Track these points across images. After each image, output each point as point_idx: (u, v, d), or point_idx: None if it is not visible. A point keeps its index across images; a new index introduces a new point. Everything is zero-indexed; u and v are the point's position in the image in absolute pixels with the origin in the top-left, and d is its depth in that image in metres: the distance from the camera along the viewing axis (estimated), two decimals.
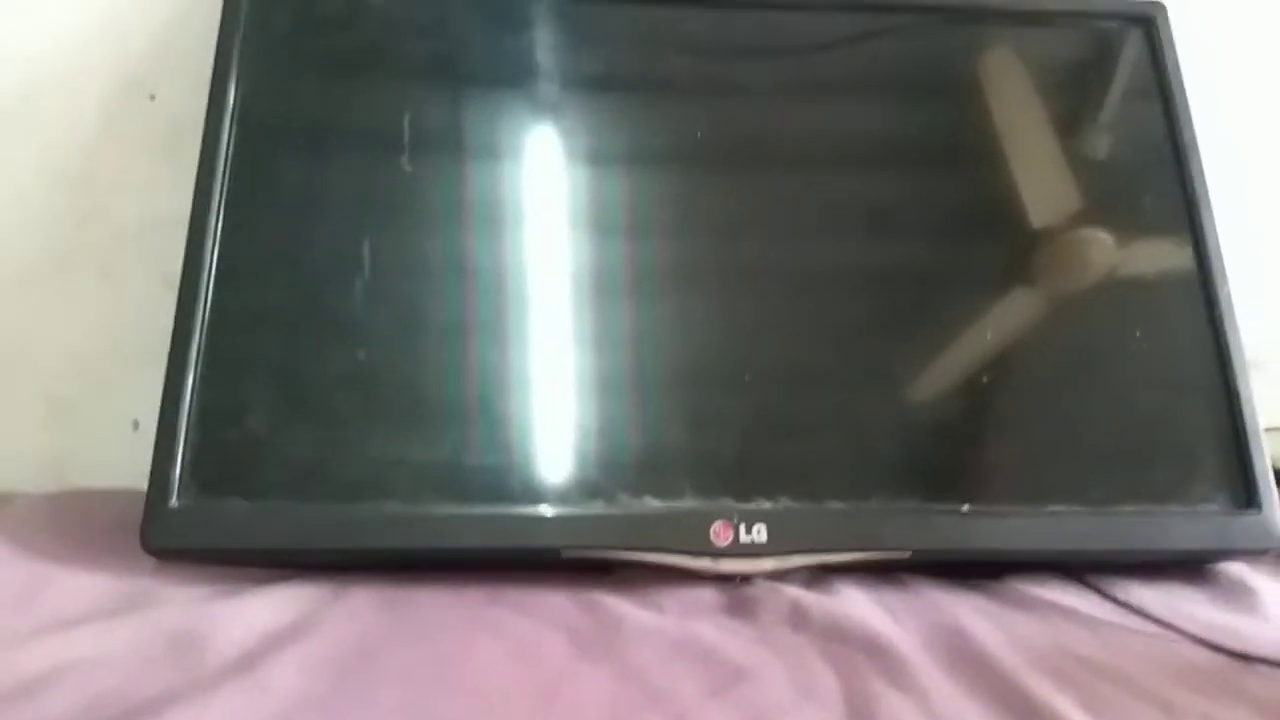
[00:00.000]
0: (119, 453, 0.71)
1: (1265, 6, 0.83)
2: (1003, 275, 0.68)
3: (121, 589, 0.55)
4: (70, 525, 0.62)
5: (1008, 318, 0.67)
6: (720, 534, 0.58)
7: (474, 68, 0.69)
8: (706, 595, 0.57)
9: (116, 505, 0.63)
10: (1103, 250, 0.69)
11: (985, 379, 0.66)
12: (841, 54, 0.74)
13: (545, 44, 0.70)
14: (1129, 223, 0.70)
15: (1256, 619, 0.58)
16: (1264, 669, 0.52)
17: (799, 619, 0.55)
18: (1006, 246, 0.69)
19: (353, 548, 0.58)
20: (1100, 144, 0.74)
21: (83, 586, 0.54)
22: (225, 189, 0.63)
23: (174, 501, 0.57)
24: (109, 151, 0.74)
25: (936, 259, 0.69)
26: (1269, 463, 0.64)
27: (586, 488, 0.60)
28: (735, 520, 0.58)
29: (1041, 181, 0.70)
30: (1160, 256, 0.70)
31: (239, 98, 0.65)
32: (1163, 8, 0.74)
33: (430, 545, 0.58)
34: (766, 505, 0.59)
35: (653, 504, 0.59)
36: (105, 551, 0.58)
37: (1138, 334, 0.67)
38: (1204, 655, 0.54)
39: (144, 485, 0.58)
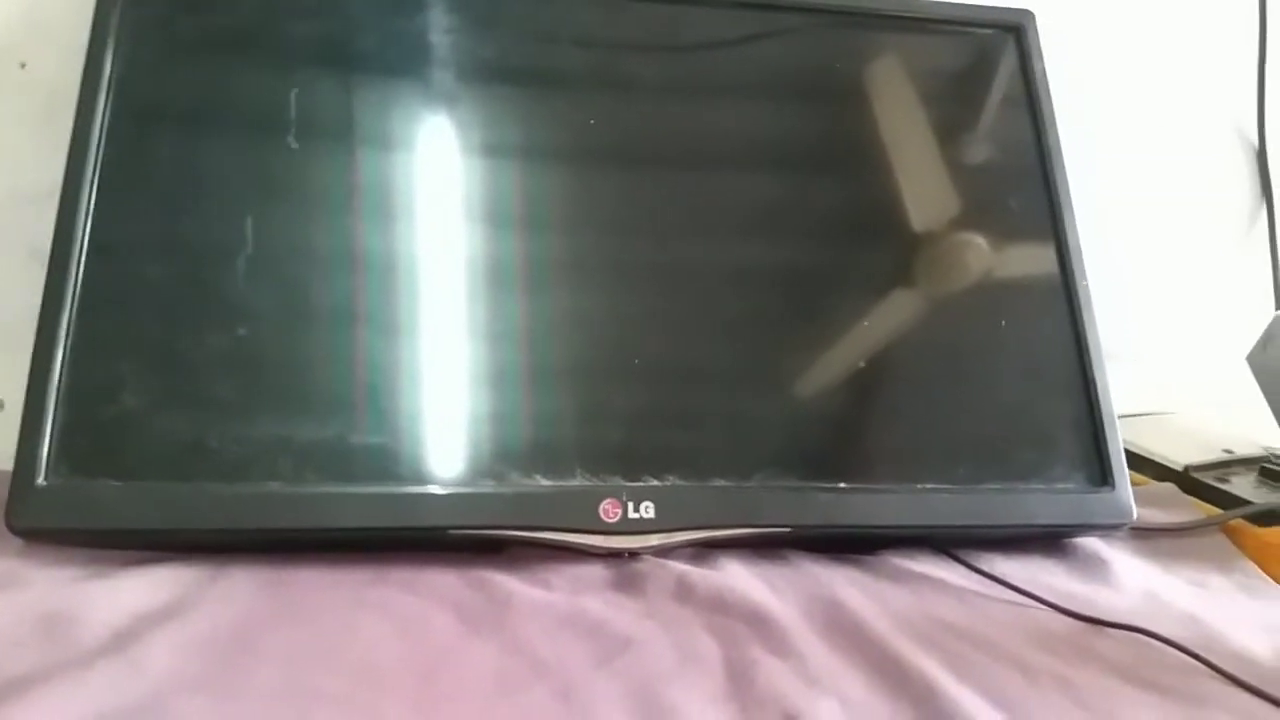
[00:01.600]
0: None
1: (1128, 15, 0.88)
2: (883, 276, 0.71)
3: None
4: None
5: (887, 318, 0.70)
6: (609, 511, 0.59)
7: (363, 50, 0.68)
8: (595, 572, 0.58)
9: None
10: (978, 254, 0.73)
11: (862, 364, 0.68)
12: (732, 53, 0.75)
13: (437, 28, 0.70)
14: (1001, 226, 0.74)
15: (1109, 589, 0.62)
16: (1114, 633, 0.56)
17: (684, 592, 0.56)
18: (888, 248, 0.72)
19: (232, 528, 0.56)
20: (976, 149, 0.77)
21: None
22: (100, 161, 0.61)
23: (41, 480, 0.55)
24: None
25: (820, 258, 0.71)
26: (1122, 446, 0.68)
27: (475, 467, 0.60)
28: (624, 498, 0.59)
29: (922, 186, 0.73)
30: (1030, 261, 0.74)
31: (115, 69, 0.63)
32: (1031, 15, 0.79)
33: (314, 525, 0.57)
34: (654, 483, 0.61)
35: (542, 483, 0.60)
36: None
37: (1003, 324, 0.71)
38: (1060, 621, 0.57)
39: (7, 466, 0.55)
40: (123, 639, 0.48)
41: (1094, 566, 0.65)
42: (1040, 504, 0.65)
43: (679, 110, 0.73)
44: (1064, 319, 0.71)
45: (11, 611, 0.49)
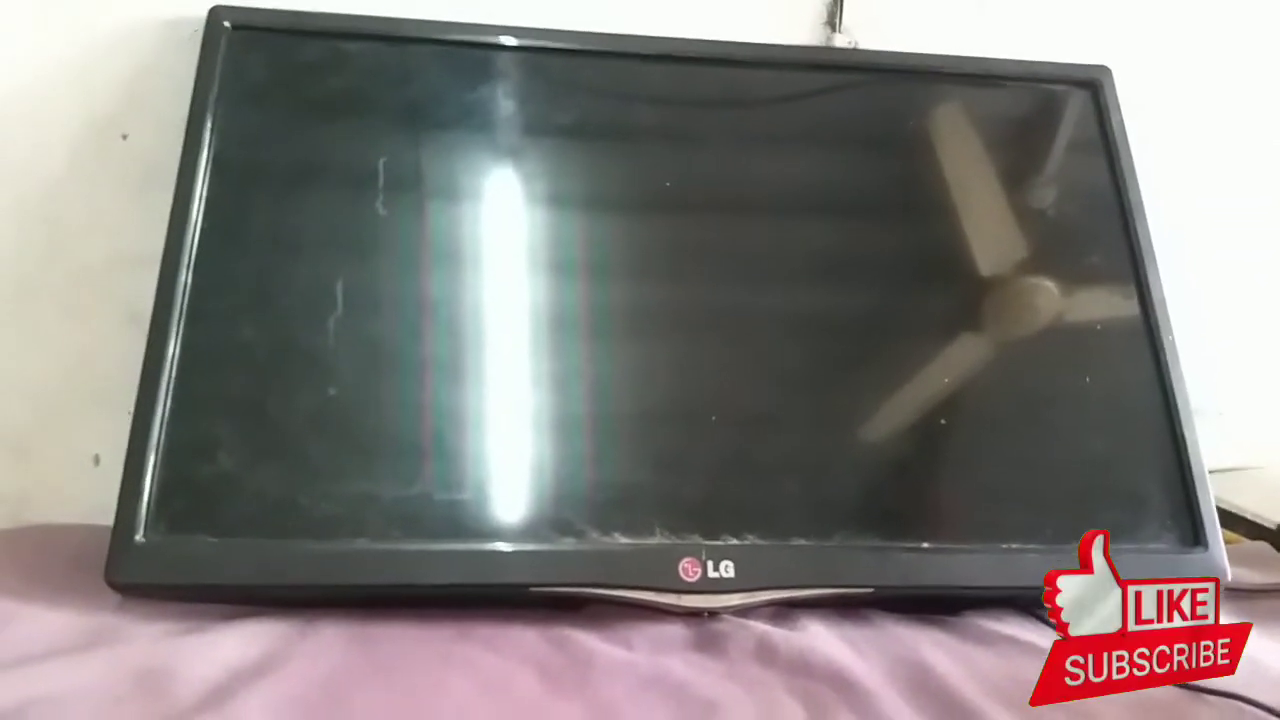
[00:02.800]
0: (78, 489, 0.70)
1: (1205, 69, 0.87)
2: (953, 321, 0.71)
3: (85, 624, 0.54)
4: (30, 561, 0.61)
5: (957, 362, 0.69)
6: (688, 570, 0.59)
7: (446, 118, 0.71)
8: (675, 631, 0.58)
9: (77, 541, 0.62)
10: (1048, 297, 0.72)
11: (943, 421, 0.68)
12: (801, 108, 0.77)
13: (517, 93, 0.72)
14: (1075, 272, 0.73)
15: None
16: (1214, 700, 0.54)
17: (766, 654, 0.56)
18: (956, 294, 0.72)
19: (321, 584, 0.57)
20: (1047, 198, 0.77)
21: (46, 622, 0.54)
22: (199, 227, 0.64)
23: (140, 537, 0.56)
24: (78, 189, 0.73)
25: (889, 305, 0.71)
26: (1214, 504, 0.66)
27: (555, 525, 0.60)
28: (703, 556, 0.59)
29: (989, 232, 0.73)
30: (1104, 304, 0.73)
31: (214, 139, 0.66)
32: (1108, 71, 0.78)
33: (399, 581, 0.58)
34: (734, 542, 0.60)
35: (621, 541, 0.60)
36: (67, 588, 0.57)
37: (1087, 379, 0.70)
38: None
39: (105, 522, 0.57)
40: (218, 695, 0.49)
41: None
42: (1130, 565, 0.60)
43: (750, 163, 0.74)
44: (1150, 371, 0.70)
45: (111, 666, 0.50)
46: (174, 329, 0.61)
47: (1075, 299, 0.72)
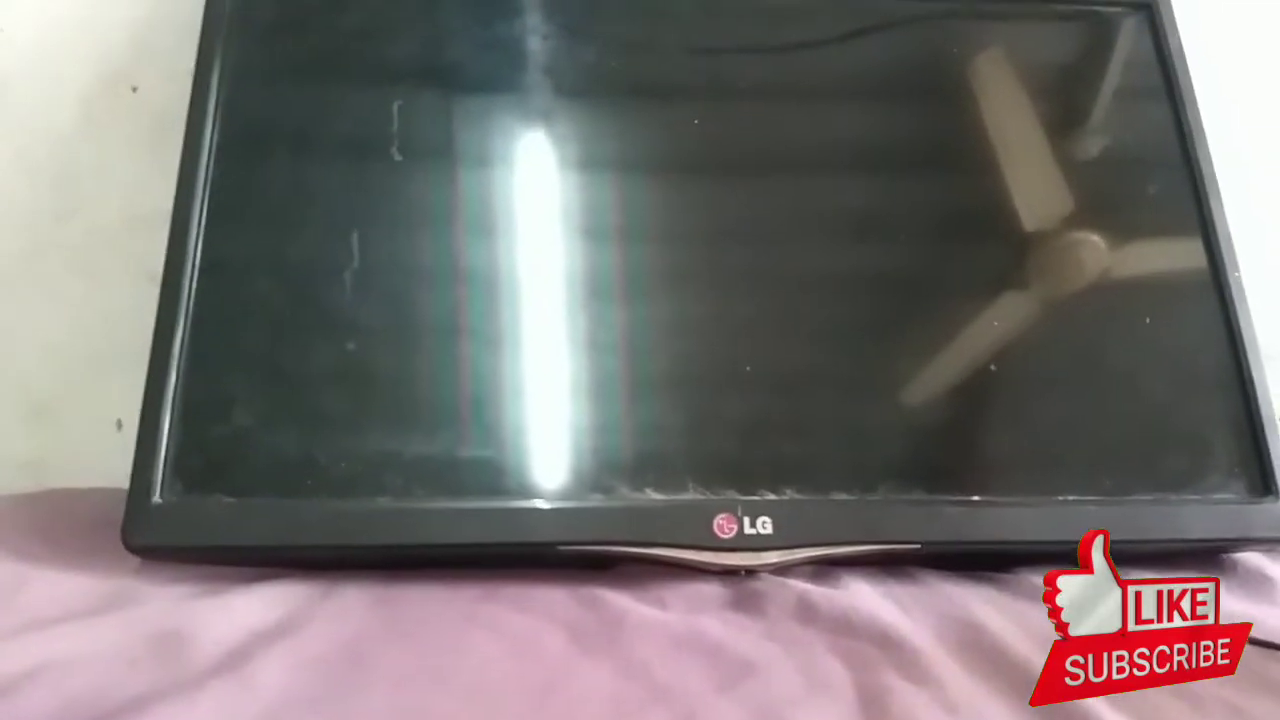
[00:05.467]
0: (101, 454, 0.68)
1: None
2: (995, 278, 0.67)
3: (103, 588, 0.52)
4: (49, 524, 0.60)
5: (1009, 309, 0.66)
6: (724, 527, 0.56)
7: (462, 61, 0.68)
8: (710, 590, 0.56)
9: (97, 504, 0.61)
10: (1094, 253, 0.68)
11: (993, 368, 0.64)
12: (833, 53, 0.72)
13: (535, 35, 0.69)
14: (1128, 222, 0.69)
15: (1277, 608, 0.57)
16: None
17: (807, 613, 0.53)
18: (999, 250, 0.68)
19: (343, 544, 0.55)
20: (1098, 141, 0.72)
21: (62, 585, 0.52)
22: (209, 183, 0.62)
23: (157, 498, 0.55)
24: (89, 144, 0.72)
25: (928, 261, 0.68)
26: None
27: (584, 481, 0.58)
28: (739, 513, 0.57)
29: (1033, 184, 0.69)
30: (1156, 257, 0.69)
31: (223, 91, 0.64)
32: None
33: (423, 541, 0.56)
34: (771, 497, 0.58)
35: (653, 497, 0.57)
36: (86, 551, 0.56)
37: (1147, 322, 0.66)
38: None
39: (126, 485, 0.56)
40: (236, 657, 0.47)
41: (1257, 584, 0.59)
42: (1195, 516, 0.60)
43: (781, 114, 0.70)
44: (1215, 314, 0.66)
45: (127, 629, 0.49)
46: (186, 286, 0.59)
47: (1122, 253, 0.68)
